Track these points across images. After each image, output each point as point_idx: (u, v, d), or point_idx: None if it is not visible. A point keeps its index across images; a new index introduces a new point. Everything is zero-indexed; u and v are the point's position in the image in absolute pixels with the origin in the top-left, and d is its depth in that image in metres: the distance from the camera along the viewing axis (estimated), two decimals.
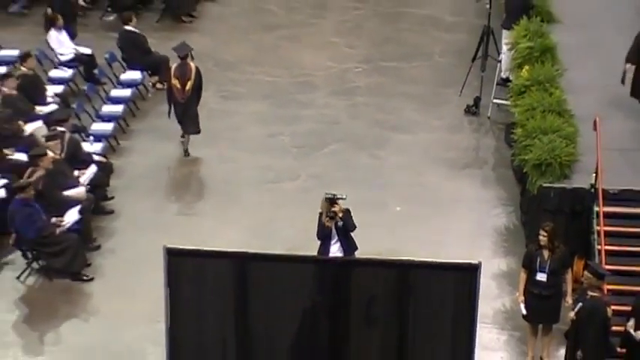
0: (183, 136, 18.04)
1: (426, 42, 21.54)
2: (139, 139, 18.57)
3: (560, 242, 13.68)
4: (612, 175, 15.24)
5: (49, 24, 20.00)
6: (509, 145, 17.40)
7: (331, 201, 13.85)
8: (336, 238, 14.01)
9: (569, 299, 13.58)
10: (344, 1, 23.21)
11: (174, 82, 17.80)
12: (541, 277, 13.48)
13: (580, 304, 12.82)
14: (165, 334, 11.84)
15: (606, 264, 14.30)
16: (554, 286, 13.54)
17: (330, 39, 21.76)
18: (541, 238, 13.50)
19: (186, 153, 18.03)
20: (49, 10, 20.80)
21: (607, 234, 14.70)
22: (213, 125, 18.73)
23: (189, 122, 17.93)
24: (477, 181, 17.50)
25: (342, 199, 13.88)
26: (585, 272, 13.07)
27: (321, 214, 14.14)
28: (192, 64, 18.01)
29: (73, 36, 20.54)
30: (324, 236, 14.09)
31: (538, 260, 13.50)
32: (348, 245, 14.05)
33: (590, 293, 12.79)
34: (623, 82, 16.31)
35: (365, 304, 12.05)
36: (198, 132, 17.98)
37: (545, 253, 13.48)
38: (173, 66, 18.08)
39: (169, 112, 17.95)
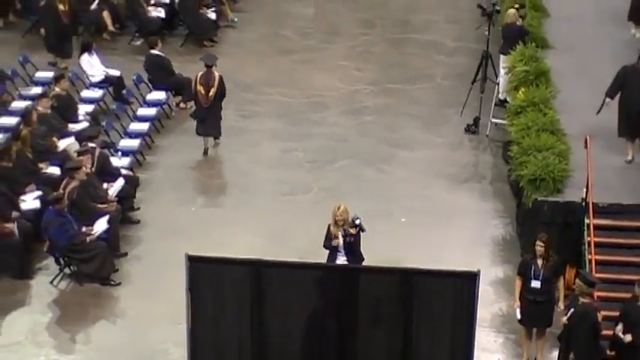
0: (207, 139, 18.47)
1: (429, 65, 21.53)
2: (164, 155, 18.58)
3: (553, 252, 13.66)
4: (602, 190, 15.21)
5: (83, 48, 20.08)
6: (506, 161, 17.38)
7: (355, 225, 13.95)
8: (343, 251, 14.06)
9: (561, 305, 13.57)
10: (353, 28, 23.23)
11: (199, 88, 18.15)
12: (535, 284, 13.46)
13: (572, 309, 12.79)
14: (186, 335, 11.87)
15: (596, 273, 14.25)
16: (547, 292, 13.53)
17: (341, 62, 21.75)
18: (538, 248, 13.47)
19: (209, 151, 18.40)
20: (42, 31, 21.02)
21: (597, 245, 14.66)
22: (232, 141, 18.77)
23: (211, 125, 18.29)
24: (476, 194, 17.46)
25: (362, 230, 14.01)
26: (577, 280, 13.05)
27: (329, 225, 14.17)
28: (216, 73, 18.29)
29: (69, 55, 20.82)
30: (331, 246, 14.11)
31: (532, 269, 13.49)
32: (355, 259, 14.05)
33: (581, 300, 12.76)
34: (598, 112, 16.17)
35: (371, 309, 12.03)
36: (219, 135, 18.39)
37: (540, 262, 13.46)
38: (198, 74, 18.33)
39: (194, 114, 18.47)
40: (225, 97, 18.36)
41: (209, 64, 18.30)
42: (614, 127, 16.32)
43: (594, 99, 16.38)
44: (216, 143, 18.59)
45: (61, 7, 21.05)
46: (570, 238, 15.16)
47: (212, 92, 18.11)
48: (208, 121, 18.28)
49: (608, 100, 16.11)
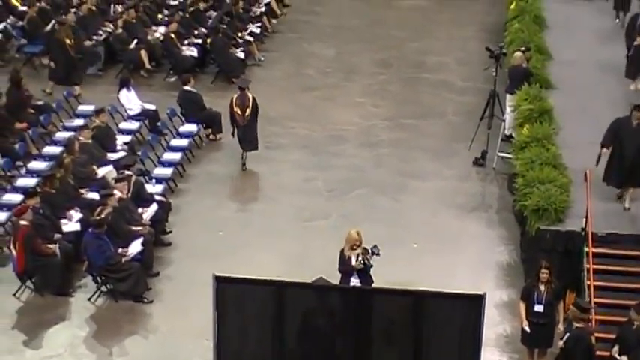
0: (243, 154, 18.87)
1: (440, 103, 21.59)
2: (194, 183, 18.65)
3: (553, 278, 13.62)
4: (600, 221, 15.17)
5: (122, 84, 20.25)
6: (511, 192, 17.34)
7: (375, 253, 13.95)
8: (356, 274, 14.02)
9: (560, 326, 13.51)
10: (370, 67, 23.33)
11: (236, 109, 18.66)
12: (538, 308, 13.42)
13: (567, 333, 12.74)
14: (212, 350, 11.88)
15: (594, 297, 14.22)
16: (549, 315, 13.47)
17: (359, 99, 21.84)
18: (543, 275, 13.44)
19: (243, 167, 18.82)
20: (52, 64, 21.35)
21: (595, 271, 14.60)
22: (258, 170, 18.87)
23: (248, 141, 18.75)
24: (482, 222, 17.42)
25: (378, 254, 13.98)
26: (571, 306, 12.99)
27: (342, 250, 14.15)
28: (249, 95, 18.78)
29: (77, 82, 21.14)
30: (345, 269, 14.09)
31: (535, 294, 13.45)
32: (366, 280, 14.03)
33: (575, 324, 12.70)
34: (597, 164, 15.69)
35: (384, 328, 12.00)
36: (256, 149, 18.82)
37: (542, 288, 13.42)
38: (234, 96, 18.79)
39: (233, 133, 18.84)
40: (258, 116, 18.76)
41: (243, 86, 18.87)
42: None
43: (593, 136, 16.36)
44: (244, 168, 18.79)
45: (67, 41, 21.43)
46: (570, 265, 15.10)
47: (247, 112, 18.60)
48: (247, 138, 18.70)
49: (604, 150, 15.70)
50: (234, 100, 18.72)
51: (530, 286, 13.62)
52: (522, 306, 13.59)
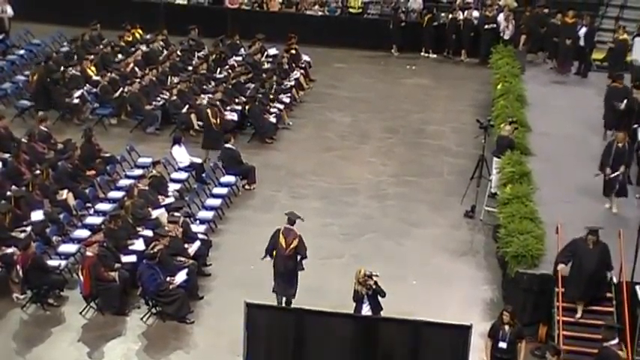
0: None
1: (437, 164, 21.61)
2: (231, 224, 18.72)
3: (516, 320, 13.59)
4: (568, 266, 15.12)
5: (174, 141, 20.46)
6: (495, 240, 17.33)
7: (369, 276, 13.93)
8: (367, 302, 14.00)
9: None
10: (380, 133, 23.43)
11: (212, 120, 20.89)
12: (502, 345, 13.42)
13: None
14: None
15: (563, 331, 14.14)
16: (511, 351, 13.45)
17: (370, 159, 21.90)
18: (504, 317, 13.47)
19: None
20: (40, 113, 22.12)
21: (564, 309, 14.55)
22: (284, 216, 18.87)
23: (221, 140, 20.53)
24: (471, 265, 17.39)
25: (376, 275, 13.99)
26: None
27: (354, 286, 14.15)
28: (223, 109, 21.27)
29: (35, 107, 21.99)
30: (357, 299, 14.10)
31: (500, 333, 13.45)
32: (376, 307, 14.02)
33: None
34: (553, 273, 14.67)
35: (388, 350, 12.01)
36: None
37: (506, 328, 13.44)
38: (208, 111, 20.76)
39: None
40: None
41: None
42: (580, 219, 16.09)
43: (565, 195, 16.39)
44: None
45: (33, 77, 22.76)
46: (543, 302, 15.05)
47: (219, 120, 21.02)
48: (220, 138, 20.47)
49: (561, 266, 14.63)
50: (209, 114, 20.88)
51: (497, 325, 13.59)
52: (488, 344, 13.55)
